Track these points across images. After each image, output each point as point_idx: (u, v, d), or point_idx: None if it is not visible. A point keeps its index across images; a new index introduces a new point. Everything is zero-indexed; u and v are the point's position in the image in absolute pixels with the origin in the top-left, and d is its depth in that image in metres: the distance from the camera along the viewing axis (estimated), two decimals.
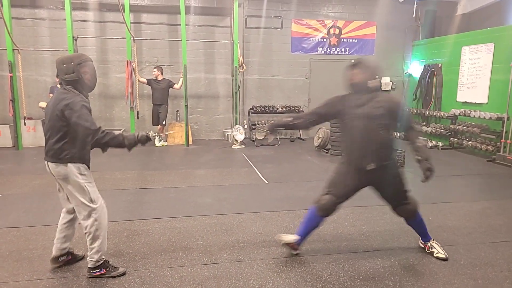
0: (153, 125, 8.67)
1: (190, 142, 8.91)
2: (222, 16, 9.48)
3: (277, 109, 9.67)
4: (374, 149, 3.01)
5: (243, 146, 8.68)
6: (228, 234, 3.79)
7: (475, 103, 8.23)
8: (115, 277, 2.94)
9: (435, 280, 2.96)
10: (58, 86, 2.91)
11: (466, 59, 8.54)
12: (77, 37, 8.25)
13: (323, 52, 10.08)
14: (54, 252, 3.04)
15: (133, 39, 8.35)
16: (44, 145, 2.88)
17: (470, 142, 8.03)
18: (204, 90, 9.70)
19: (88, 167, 2.93)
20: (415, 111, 9.73)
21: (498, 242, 3.67)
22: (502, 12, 9.08)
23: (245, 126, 9.61)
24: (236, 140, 8.67)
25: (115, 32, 8.90)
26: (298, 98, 10.14)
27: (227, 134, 9.44)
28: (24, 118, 8.15)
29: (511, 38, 7.22)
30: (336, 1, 9.97)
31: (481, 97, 8.09)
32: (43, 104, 8.30)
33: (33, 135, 8.30)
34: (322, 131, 8.18)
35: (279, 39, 9.84)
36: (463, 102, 8.63)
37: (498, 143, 7.39)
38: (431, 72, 9.51)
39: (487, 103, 7.94)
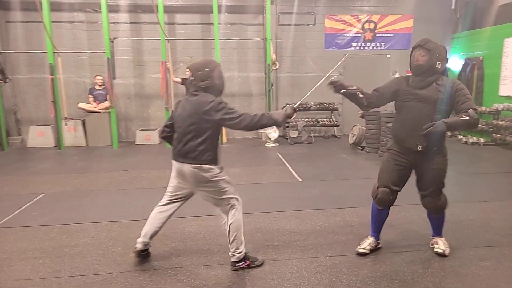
0: None
1: (224, 140, 9.01)
2: (255, 14, 9.50)
3: (311, 106, 9.57)
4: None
5: (277, 144, 8.67)
6: (263, 233, 3.80)
7: None
8: (258, 266, 3.09)
9: (478, 282, 2.84)
10: (190, 94, 2.99)
11: (509, 52, 8.08)
12: (114, 39, 8.54)
13: (357, 47, 9.86)
14: (139, 245, 3.16)
15: (167, 39, 8.54)
16: (175, 147, 3.02)
17: None
18: (237, 88, 9.76)
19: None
20: None
21: None
22: None
23: None
24: (270, 139, 8.67)
25: (149, 33, 9.14)
26: (332, 95, 9.87)
27: (261, 133, 9.46)
28: (65, 118, 8.54)
29: None
30: None
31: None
32: (83, 105, 8.69)
33: (74, 135, 8.67)
34: (357, 128, 8.03)
35: (312, 35, 9.73)
36: (506, 96, 8.19)
37: None
38: (471, 66, 9.06)
39: None
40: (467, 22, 9.66)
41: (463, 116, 2.90)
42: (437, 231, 3.35)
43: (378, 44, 9.88)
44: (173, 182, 3.12)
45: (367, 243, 3.34)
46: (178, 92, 9.28)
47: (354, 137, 8.01)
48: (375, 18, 9.77)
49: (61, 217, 4.31)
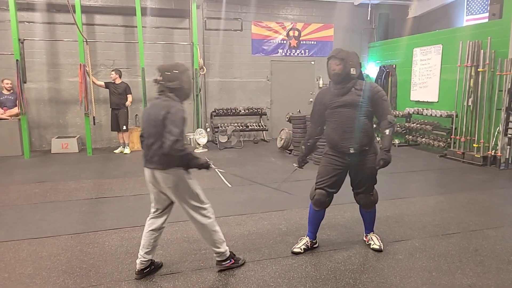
0: (112, 130, 8.36)
1: None
2: (181, 18, 9.32)
3: (240, 111, 9.64)
4: (356, 134, 3.16)
5: (206, 150, 8.57)
6: (190, 242, 3.69)
7: (427, 101, 8.63)
8: (241, 265, 3.15)
9: (393, 275, 3.04)
10: (158, 94, 2.90)
11: (417, 60, 8.93)
12: (24, 40, 7.79)
13: (283, 54, 10.18)
14: (138, 265, 3.00)
15: (86, 41, 8.01)
16: (144, 153, 2.90)
17: (423, 139, 8.40)
18: None
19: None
20: None
21: (450, 234, 3.84)
22: (450, 15, 9.61)
23: (208, 129, 9.50)
24: (199, 144, 8.54)
25: (66, 34, 8.49)
26: (261, 100, 10.16)
27: (190, 138, 9.26)
28: None
29: (457, 39, 7.64)
30: (295, 3, 10.11)
31: (432, 96, 8.49)
32: None
33: None
34: (284, 132, 8.24)
35: (239, 41, 9.82)
36: (416, 101, 9.03)
37: (449, 139, 7.78)
38: (386, 73, 9.86)
39: (437, 101, 8.34)
40: (381, 32, 10.50)
41: (387, 131, 3.17)
42: (370, 227, 3.56)
43: (302, 51, 10.29)
44: (150, 189, 3.01)
45: (302, 243, 3.45)
46: (99, 97, 8.77)
47: (282, 141, 8.22)
48: (299, 26, 10.17)
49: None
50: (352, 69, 3.17)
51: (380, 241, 3.52)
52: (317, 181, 3.35)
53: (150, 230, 3.00)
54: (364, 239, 3.61)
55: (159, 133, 2.76)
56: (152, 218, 3.05)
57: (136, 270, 3.00)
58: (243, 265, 3.19)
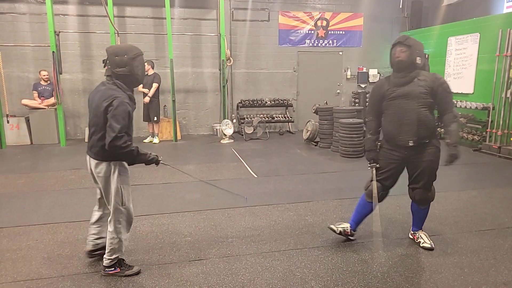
0: (143, 121, 8.49)
1: (179, 137, 8.82)
2: (208, 9, 9.36)
3: (266, 102, 9.62)
4: (415, 126, 3.02)
5: (232, 141, 8.63)
6: (217, 230, 3.75)
7: (462, 93, 8.30)
8: (129, 276, 2.89)
9: (422, 270, 2.98)
10: (105, 78, 2.77)
11: (452, 50, 8.59)
12: (59, 32, 8.06)
13: (310, 44, 10.03)
14: (89, 246, 3.04)
15: (117, 33, 8.19)
16: (87, 140, 2.85)
17: None
18: (191, 84, 9.59)
19: (127, 167, 2.88)
20: None
21: (484, 230, 3.71)
22: (487, 2, 9.15)
23: (234, 120, 9.55)
24: (225, 135, 8.61)
25: (98, 26, 8.72)
26: (287, 91, 10.10)
27: (216, 129, 9.37)
28: (7, 116, 7.96)
29: (496, 28, 7.27)
30: None
31: (467, 87, 8.15)
32: (26, 102, 8.16)
33: (17, 133, 8.13)
34: (310, 124, 8.17)
35: (266, 31, 9.76)
36: None
37: (484, 133, 7.47)
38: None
39: (473, 93, 8.01)
40: (413, 21, 10.14)
41: (453, 125, 3.05)
42: (419, 224, 3.42)
43: (330, 41, 10.11)
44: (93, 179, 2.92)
45: (342, 225, 3.43)
46: None
47: (308, 133, 8.15)
48: (327, 15, 9.99)
49: (1, 220, 4.01)
50: (418, 58, 3.01)
51: (429, 239, 3.38)
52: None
53: (94, 223, 3.03)
54: (411, 236, 3.49)
55: (100, 124, 2.64)
56: (94, 210, 3.06)
57: (87, 250, 3.06)
58: (136, 274, 2.92)
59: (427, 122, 3.04)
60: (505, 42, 6.93)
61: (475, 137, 7.58)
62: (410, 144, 3.06)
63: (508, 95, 6.92)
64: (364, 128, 7.17)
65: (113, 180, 2.76)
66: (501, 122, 7.06)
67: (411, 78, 3.03)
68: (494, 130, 7.19)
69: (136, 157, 2.72)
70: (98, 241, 3.05)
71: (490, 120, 7.30)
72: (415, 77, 3.03)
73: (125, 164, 2.83)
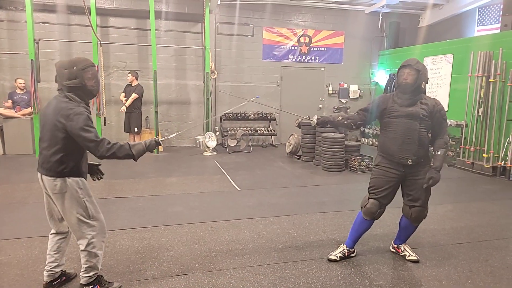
0: (124, 131, 8.41)
1: (161, 149, 8.75)
2: (194, 22, 9.42)
3: (249, 116, 9.69)
4: (415, 145, 3.13)
5: (215, 153, 8.62)
6: (200, 243, 3.73)
7: None
8: None
9: (403, 283, 3.05)
10: (57, 91, 2.68)
11: (428, 69, 8.91)
12: (39, 40, 7.94)
13: (294, 59, 10.23)
14: (46, 277, 2.83)
15: (100, 43, 8.14)
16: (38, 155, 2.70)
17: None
18: (175, 96, 9.57)
19: (85, 180, 2.75)
20: None
21: (460, 243, 3.84)
22: (460, 25, 9.60)
23: (217, 133, 9.56)
24: (208, 147, 8.60)
25: (80, 35, 8.64)
26: (270, 105, 10.17)
27: (199, 141, 9.34)
28: None
29: (468, 50, 7.64)
30: (306, 10, 10.17)
31: (442, 105, 8.45)
32: (0, 110, 7.92)
33: None
34: (293, 138, 8.27)
35: (251, 46, 9.90)
36: None
37: (458, 149, 7.75)
38: (395, 81, 9.82)
39: (447, 110, 8.31)
40: (391, 41, 10.51)
41: (441, 151, 3.17)
42: (404, 239, 3.51)
43: (313, 57, 10.34)
44: (44, 198, 2.77)
45: (338, 251, 3.43)
46: (111, 98, 8.89)
47: (291, 146, 8.24)
48: (310, 32, 10.23)
49: None
50: (424, 83, 3.16)
51: (413, 251, 3.48)
52: (371, 191, 3.29)
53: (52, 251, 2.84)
54: (393, 249, 3.57)
55: (54, 139, 2.56)
56: (52, 234, 2.86)
57: (44, 282, 2.85)
58: None
59: (424, 142, 3.17)
60: (476, 63, 7.28)
61: (450, 153, 7.85)
62: (409, 163, 3.16)
63: (480, 113, 7.23)
64: (346, 143, 7.33)
65: (72, 195, 2.62)
66: (473, 139, 7.35)
67: (415, 101, 3.17)
68: (467, 147, 7.47)
69: (132, 150, 2.68)
70: (56, 269, 2.86)
71: (463, 136, 7.59)
72: (418, 100, 3.18)
73: (83, 175, 2.71)
